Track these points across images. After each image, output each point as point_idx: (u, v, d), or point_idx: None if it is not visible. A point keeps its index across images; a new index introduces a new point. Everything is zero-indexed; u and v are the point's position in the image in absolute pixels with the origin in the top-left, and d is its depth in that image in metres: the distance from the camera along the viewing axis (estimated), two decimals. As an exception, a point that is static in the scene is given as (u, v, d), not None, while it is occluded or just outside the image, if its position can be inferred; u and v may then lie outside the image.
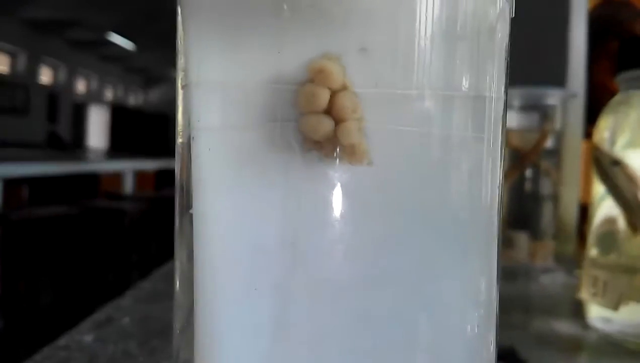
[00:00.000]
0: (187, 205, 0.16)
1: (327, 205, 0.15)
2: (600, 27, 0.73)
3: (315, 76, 0.14)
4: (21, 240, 2.66)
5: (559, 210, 0.72)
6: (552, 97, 0.65)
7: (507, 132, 0.19)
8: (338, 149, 0.15)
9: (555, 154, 0.67)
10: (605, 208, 0.55)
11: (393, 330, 0.16)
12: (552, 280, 0.67)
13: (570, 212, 0.81)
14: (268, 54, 0.15)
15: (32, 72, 6.71)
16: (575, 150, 0.79)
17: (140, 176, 4.95)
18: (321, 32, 0.15)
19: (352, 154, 0.15)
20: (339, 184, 0.15)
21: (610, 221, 0.55)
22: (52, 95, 7.11)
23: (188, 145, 0.16)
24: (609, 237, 0.55)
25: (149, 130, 8.29)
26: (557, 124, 0.67)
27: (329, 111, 0.15)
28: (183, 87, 0.17)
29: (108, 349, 0.46)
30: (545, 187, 0.68)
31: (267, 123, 0.15)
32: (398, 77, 0.15)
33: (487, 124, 0.17)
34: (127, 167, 4.73)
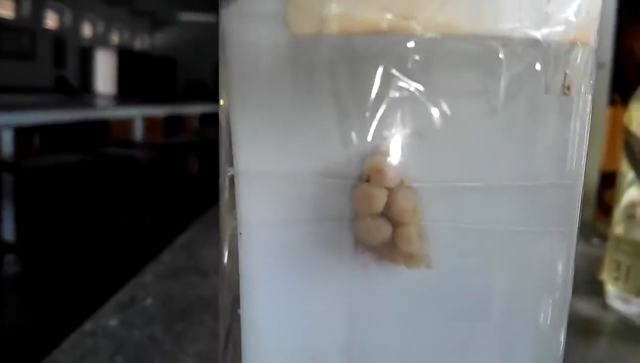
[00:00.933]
0: (234, 301, 0.15)
1: (384, 310, 0.14)
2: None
3: (372, 175, 0.13)
4: (34, 188, 2.69)
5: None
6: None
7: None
8: (395, 252, 0.14)
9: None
10: (633, 191, 0.54)
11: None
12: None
13: (591, 179, 0.80)
14: (320, 144, 0.14)
15: (38, 17, 6.59)
16: (599, 117, 0.78)
17: (149, 122, 4.94)
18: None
19: (410, 258, 0.14)
20: (395, 288, 0.14)
21: (636, 205, 0.55)
22: (59, 40, 7.00)
23: (235, 240, 0.15)
24: (634, 222, 0.55)
25: (156, 73, 8.18)
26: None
27: (386, 211, 0.14)
28: (229, 177, 0.15)
29: (134, 335, 0.47)
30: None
31: (319, 221, 0.14)
32: (457, 167, 0.14)
33: (562, 215, 0.16)
34: (136, 114, 4.71)
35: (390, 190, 0.13)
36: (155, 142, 4.30)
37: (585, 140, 0.16)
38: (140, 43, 9.35)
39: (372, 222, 0.13)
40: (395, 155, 0.14)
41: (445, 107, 0.13)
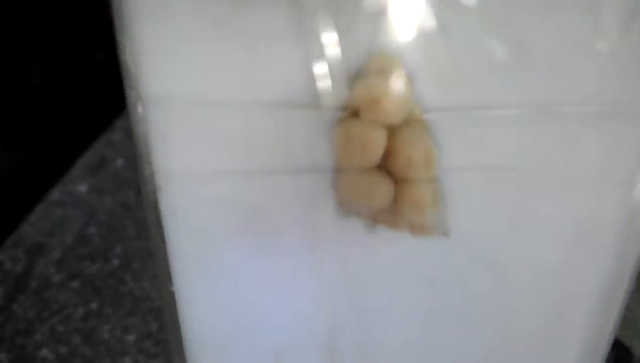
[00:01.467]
0: (167, 280, 0.11)
1: (377, 289, 0.10)
2: None
3: (363, 108, 0.08)
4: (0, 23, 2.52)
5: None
6: None
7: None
8: (398, 219, 0.09)
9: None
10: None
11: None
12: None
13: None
14: (275, 55, 0.09)
15: None
16: None
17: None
18: (371, 12, 0.08)
19: (420, 227, 0.09)
20: (395, 261, 0.10)
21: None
22: None
23: (153, 195, 0.10)
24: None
25: None
26: None
27: (385, 161, 0.09)
28: (133, 104, 0.10)
29: (105, 202, 0.44)
30: None
31: (283, 172, 0.09)
32: (493, 87, 0.09)
33: (635, 158, 0.11)
34: None
35: (391, 129, 0.08)
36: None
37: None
38: None
39: (365, 177, 0.09)
40: (400, 70, 0.08)
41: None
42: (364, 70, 0.08)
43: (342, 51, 0.08)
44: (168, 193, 0.10)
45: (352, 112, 0.09)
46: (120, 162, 0.52)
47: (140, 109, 0.10)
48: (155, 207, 0.10)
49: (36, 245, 0.39)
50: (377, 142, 0.08)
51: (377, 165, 0.09)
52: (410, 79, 0.09)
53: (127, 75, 0.10)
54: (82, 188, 0.48)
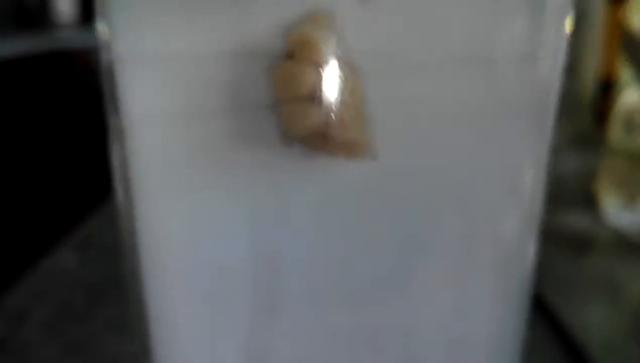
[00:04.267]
0: (130, 218, 0.13)
1: (316, 213, 0.12)
2: None
3: (296, 50, 0.10)
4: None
5: (574, 84, 0.68)
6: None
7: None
8: (330, 142, 0.11)
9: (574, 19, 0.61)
10: (631, 93, 0.53)
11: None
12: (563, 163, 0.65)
13: (587, 86, 0.76)
14: (229, 13, 0.11)
15: None
16: (597, 16, 0.72)
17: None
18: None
19: (349, 148, 0.11)
20: (331, 185, 0.12)
21: (635, 109, 0.53)
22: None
23: (120, 138, 0.12)
24: (632, 124, 0.53)
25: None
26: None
27: (318, 93, 0.11)
28: (107, 64, 0.12)
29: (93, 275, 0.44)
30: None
31: (231, 110, 0.11)
32: (412, 38, 0.11)
33: (537, 97, 0.13)
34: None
35: (322, 67, 0.11)
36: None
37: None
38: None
39: (298, 106, 0.11)
40: (328, 22, 0.11)
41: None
42: (298, 21, 0.11)
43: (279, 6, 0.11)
44: (134, 135, 0.12)
45: (288, 55, 0.11)
46: (109, 238, 0.53)
47: (110, 68, 0.12)
48: (120, 149, 0.12)
49: (19, 312, 0.39)
50: (308, 78, 0.10)
51: (311, 96, 0.11)
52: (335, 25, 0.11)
53: (100, 41, 0.12)
54: (71, 262, 0.48)
